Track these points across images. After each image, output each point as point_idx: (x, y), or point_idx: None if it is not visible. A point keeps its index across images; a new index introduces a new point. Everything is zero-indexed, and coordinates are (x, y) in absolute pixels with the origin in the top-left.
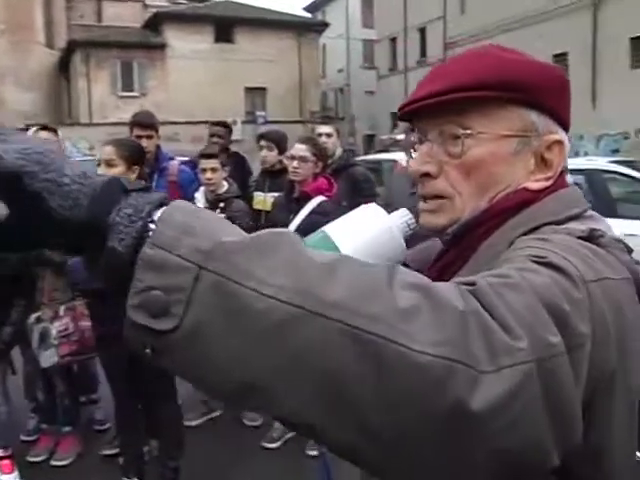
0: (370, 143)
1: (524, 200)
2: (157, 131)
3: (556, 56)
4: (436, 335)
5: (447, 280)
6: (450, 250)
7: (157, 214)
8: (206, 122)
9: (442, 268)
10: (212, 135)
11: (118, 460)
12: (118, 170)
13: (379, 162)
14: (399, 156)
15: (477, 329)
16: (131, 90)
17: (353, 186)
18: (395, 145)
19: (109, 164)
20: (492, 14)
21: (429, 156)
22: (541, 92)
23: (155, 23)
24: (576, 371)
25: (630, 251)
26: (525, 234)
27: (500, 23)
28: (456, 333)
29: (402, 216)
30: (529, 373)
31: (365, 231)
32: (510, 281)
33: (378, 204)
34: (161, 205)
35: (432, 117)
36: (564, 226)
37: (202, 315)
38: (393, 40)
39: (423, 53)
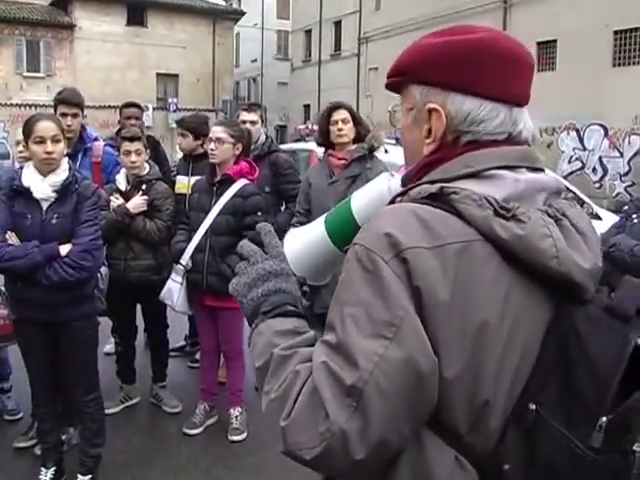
0: (282, 134)
1: (425, 163)
2: (83, 110)
3: None
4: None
5: None
6: None
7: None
8: (116, 107)
9: None
10: (128, 117)
11: (34, 451)
12: (63, 145)
13: (294, 151)
14: (315, 146)
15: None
16: (37, 71)
17: (276, 172)
18: (311, 134)
19: (56, 140)
20: (406, 11)
21: None
22: (420, 69)
23: (64, 1)
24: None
25: (502, 208)
26: (407, 191)
27: (414, 21)
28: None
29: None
30: None
31: (366, 194)
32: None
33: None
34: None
35: None
36: (427, 187)
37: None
38: (308, 32)
39: (337, 46)
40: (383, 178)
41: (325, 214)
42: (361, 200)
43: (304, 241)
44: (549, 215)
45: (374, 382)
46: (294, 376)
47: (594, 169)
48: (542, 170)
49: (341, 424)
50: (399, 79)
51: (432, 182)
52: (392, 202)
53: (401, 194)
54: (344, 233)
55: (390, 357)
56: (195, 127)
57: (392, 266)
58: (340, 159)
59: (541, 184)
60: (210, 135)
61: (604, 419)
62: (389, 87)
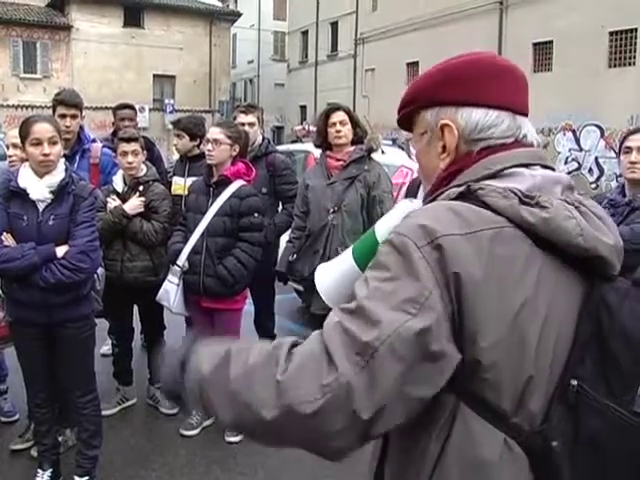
0: (279, 135)
1: (444, 176)
2: (81, 111)
3: None
4: None
5: None
6: None
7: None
8: (112, 108)
9: None
10: (123, 119)
11: (30, 453)
12: (60, 146)
13: (291, 152)
14: (312, 147)
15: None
16: (34, 72)
17: (273, 173)
18: (308, 136)
19: (53, 141)
20: (403, 12)
21: None
22: (427, 94)
23: (60, 3)
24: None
25: (527, 197)
26: (434, 199)
27: (410, 22)
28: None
29: (420, 205)
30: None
31: (390, 222)
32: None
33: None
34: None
35: None
36: (455, 189)
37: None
38: (304, 33)
39: (334, 47)
40: (404, 204)
41: (352, 245)
42: (385, 228)
43: (335, 274)
44: (568, 203)
45: (389, 344)
46: (276, 347)
47: (590, 170)
48: (552, 169)
49: (349, 378)
50: (410, 109)
51: (457, 186)
52: None
53: (429, 202)
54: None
55: (412, 327)
56: (191, 128)
57: (424, 252)
58: (338, 160)
59: (556, 178)
60: (207, 136)
61: None
62: (401, 124)
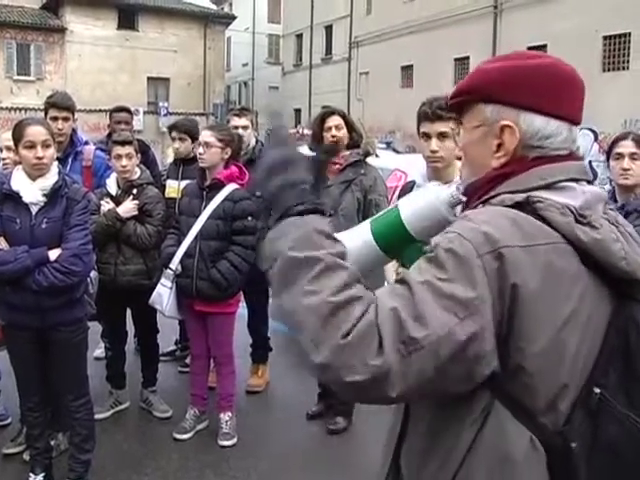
0: None
1: (497, 175)
2: (73, 114)
3: (457, 60)
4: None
5: None
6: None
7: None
8: (106, 111)
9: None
10: (119, 122)
11: (22, 456)
12: (53, 149)
13: None
14: (306, 151)
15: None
16: (27, 74)
17: None
18: (302, 139)
19: (46, 144)
20: (397, 16)
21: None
22: (491, 90)
23: (55, 5)
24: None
25: (581, 215)
26: (486, 201)
27: (405, 25)
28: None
29: (448, 190)
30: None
31: (416, 203)
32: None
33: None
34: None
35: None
36: (510, 196)
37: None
38: (299, 36)
39: (328, 51)
40: (430, 187)
41: (368, 221)
42: (411, 209)
43: (348, 248)
44: (610, 222)
45: (434, 346)
46: (356, 296)
47: None
48: (592, 182)
49: (391, 364)
50: (465, 98)
51: (511, 192)
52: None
53: (482, 203)
54: (394, 240)
55: (459, 332)
56: (191, 130)
57: (484, 260)
58: (334, 164)
59: (599, 195)
60: (199, 139)
61: None
62: (451, 107)
